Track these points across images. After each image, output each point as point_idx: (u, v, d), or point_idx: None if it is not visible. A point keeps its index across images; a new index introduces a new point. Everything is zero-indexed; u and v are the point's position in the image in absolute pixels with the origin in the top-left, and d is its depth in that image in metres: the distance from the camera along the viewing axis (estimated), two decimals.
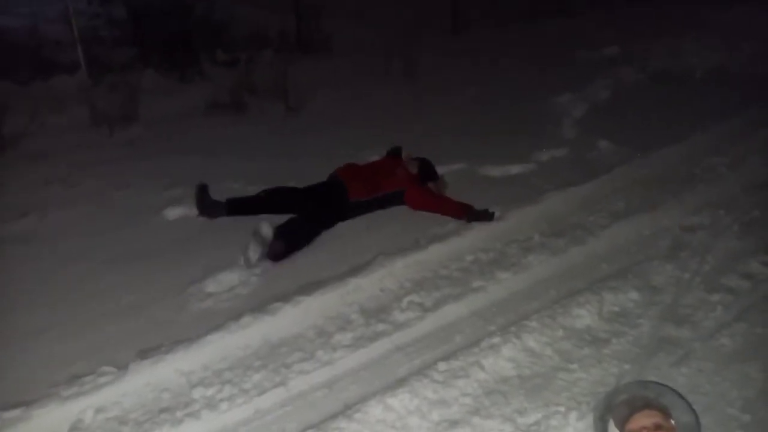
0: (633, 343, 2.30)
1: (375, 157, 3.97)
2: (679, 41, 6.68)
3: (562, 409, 1.98)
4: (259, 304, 2.51)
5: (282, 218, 3.12)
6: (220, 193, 3.47)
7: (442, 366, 2.17)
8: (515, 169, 3.92)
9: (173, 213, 3.39)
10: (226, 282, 2.75)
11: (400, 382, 2.10)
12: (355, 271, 2.74)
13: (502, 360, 2.21)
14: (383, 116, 4.97)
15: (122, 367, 2.15)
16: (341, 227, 3.21)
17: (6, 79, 5.32)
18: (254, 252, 2.78)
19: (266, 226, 2.86)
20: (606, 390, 2.05)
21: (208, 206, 3.30)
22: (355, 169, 3.48)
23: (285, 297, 2.53)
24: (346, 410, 1.99)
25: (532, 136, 4.45)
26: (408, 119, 4.87)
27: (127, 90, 5.10)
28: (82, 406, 2.02)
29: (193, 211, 3.35)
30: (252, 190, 3.53)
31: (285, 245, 2.88)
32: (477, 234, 3.07)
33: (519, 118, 4.85)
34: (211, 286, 2.72)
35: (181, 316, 2.51)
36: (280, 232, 2.91)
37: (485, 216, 3.15)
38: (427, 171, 3.58)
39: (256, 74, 5.66)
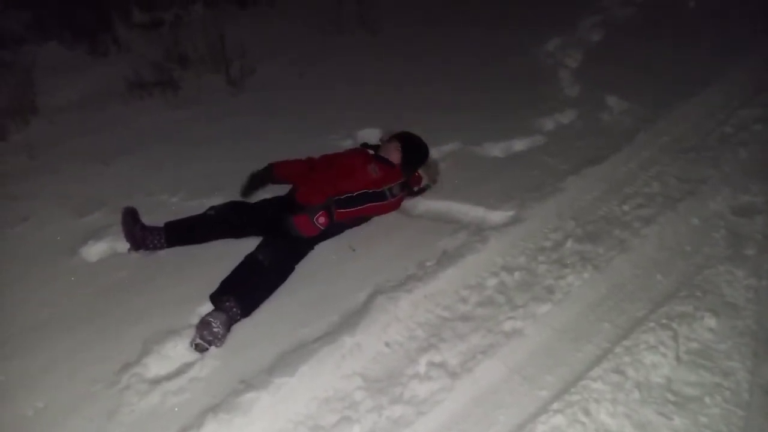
0: (732, 402, 1.75)
1: (347, 144, 3.25)
2: None
3: None
4: (225, 395, 1.81)
5: (240, 245, 2.39)
6: (153, 213, 2.67)
7: None
8: (519, 145, 3.24)
9: (95, 251, 2.55)
10: (176, 357, 2.01)
11: None
12: (349, 321, 2.05)
13: None
14: (344, 88, 4.11)
15: None
16: (318, 253, 2.47)
17: None
18: (204, 344, 2.02)
19: (217, 321, 2.01)
20: None
21: (140, 237, 2.49)
22: (321, 184, 2.58)
23: (259, 380, 1.83)
24: None
25: (528, 98, 3.74)
26: (375, 87, 4.06)
27: (19, 72, 4.04)
28: None
29: (122, 244, 2.54)
30: (195, 205, 2.74)
31: (242, 310, 2.11)
32: (495, 244, 2.41)
33: (508, 76, 4.11)
34: (154, 366, 1.97)
35: (111, 428, 1.77)
36: (229, 288, 2.15)
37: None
38: (414, 153, 2.82)
39: (187, 39, 4.64)
